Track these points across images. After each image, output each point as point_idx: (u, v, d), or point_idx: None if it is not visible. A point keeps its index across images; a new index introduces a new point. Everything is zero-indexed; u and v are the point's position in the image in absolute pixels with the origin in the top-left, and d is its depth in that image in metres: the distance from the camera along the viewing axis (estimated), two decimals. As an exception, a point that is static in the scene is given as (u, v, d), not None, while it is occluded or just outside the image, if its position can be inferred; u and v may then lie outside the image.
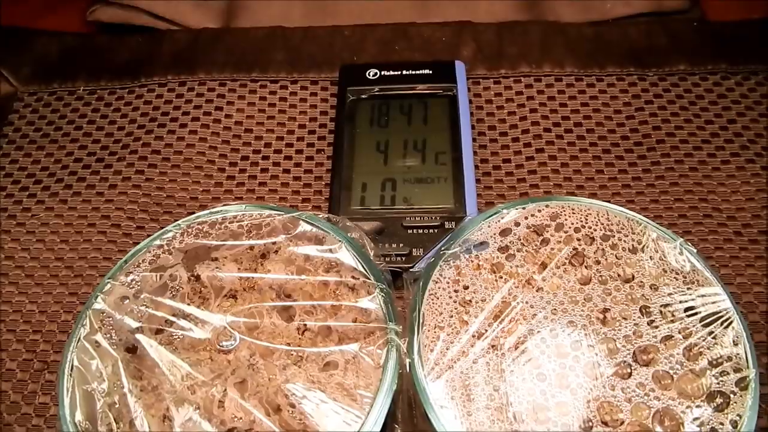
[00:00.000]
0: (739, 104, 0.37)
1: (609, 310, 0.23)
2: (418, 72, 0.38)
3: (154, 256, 0.26)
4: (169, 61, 0.41)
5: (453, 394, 0.22)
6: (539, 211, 0.26)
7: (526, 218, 0.26)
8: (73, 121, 0.39)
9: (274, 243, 0.26)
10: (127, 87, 0.40)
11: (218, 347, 0.24)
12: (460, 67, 0.38)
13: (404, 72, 0.38)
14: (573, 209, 0.26)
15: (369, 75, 0.38)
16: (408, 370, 0.23)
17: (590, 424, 0.21)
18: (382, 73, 0.38)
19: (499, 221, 0.26)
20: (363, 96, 0.37)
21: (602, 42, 0.41)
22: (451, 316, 0.24)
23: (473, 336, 0.23)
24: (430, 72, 0.38)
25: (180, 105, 0.39)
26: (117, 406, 0.22)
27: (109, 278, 0.25)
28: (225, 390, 0.23)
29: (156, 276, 0.25)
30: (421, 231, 0.31)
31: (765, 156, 0.35)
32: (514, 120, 0.38)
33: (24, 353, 0.30)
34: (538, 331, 0.23)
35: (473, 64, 0.40)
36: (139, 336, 0.24)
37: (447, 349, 0.23)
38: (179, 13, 0.44)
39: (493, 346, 0.23)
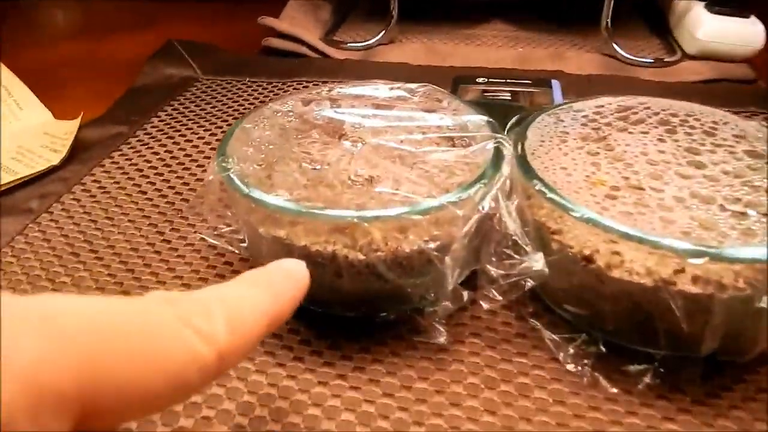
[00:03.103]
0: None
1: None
2: (519, 81, 0.46)
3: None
4: (315, 74, 0.52)
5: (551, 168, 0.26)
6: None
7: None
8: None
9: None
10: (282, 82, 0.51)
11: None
12: (556, 84, 0.46)
13: (508, 80, 0.46)
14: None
15: (477, 80, 0.47)
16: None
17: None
18: (489, 79, 0.46)
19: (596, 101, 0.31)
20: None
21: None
22: (551, 140, 0.28)
23: (573, 145, 0.27)
24: (530, 82, 0.46)
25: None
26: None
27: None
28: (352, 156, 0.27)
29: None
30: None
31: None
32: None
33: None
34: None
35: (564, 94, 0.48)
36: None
37: (546, 152, 0.27)
38: (330, 51, 0.56)
39: (588, 152, 0.27)
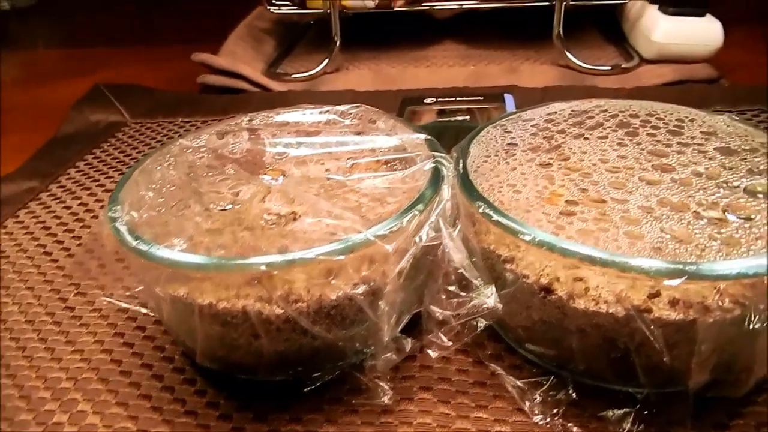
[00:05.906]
0: None
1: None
2: (470, 98, 0.43)
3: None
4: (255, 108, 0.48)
5: (497, 187, 0.22)
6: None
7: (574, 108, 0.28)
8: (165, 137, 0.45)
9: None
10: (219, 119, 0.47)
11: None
12: (509, 98, 0.43)
13: (458, 98, 0.43)
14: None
15: (426, 101, 0.43)
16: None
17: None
18: (438, 99, 0.43)
19: (547, 108, 0.28)
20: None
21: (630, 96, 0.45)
22: (497, 153, 0.25)
23: (522, 158, 0.24)
24: (482, 98, 0.43)
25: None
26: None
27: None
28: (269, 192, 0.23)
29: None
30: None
31: None
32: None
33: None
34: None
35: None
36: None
37: (492, 169, 0.23)
38: (272, 84, 0.53)
39: (539, 164, 0.23)
